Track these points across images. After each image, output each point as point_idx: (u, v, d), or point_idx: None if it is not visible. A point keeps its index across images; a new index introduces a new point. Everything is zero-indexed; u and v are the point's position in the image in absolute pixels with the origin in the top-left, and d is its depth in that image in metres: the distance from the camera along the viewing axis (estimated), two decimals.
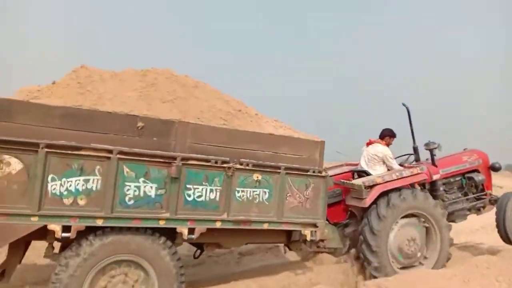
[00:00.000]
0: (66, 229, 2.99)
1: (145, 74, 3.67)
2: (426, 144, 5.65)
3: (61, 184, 2.98)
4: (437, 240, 4.95)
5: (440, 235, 4.95)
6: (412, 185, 5.16)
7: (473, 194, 5.89)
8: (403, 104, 5.78)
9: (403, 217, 4.79)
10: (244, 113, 3.77)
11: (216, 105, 3.63)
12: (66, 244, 3.27)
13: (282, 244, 5.03)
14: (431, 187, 5.46)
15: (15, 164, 2.87)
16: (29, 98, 2.96)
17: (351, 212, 5.25)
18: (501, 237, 5.66)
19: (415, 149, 5.81)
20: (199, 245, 4.24)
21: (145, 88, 3.46)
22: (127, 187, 3.18)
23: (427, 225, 4.94)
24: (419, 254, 4.86)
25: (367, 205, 4.57)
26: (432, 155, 5.59)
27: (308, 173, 3.95)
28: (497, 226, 5.65)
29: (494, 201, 5.87)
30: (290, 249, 4.85)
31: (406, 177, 4.96)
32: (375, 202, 4.64)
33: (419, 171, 5.09)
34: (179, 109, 3.35)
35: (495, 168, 6.15)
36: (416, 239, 4.83)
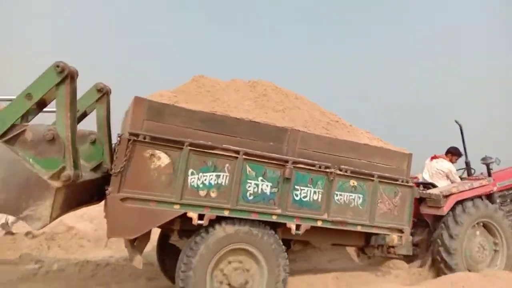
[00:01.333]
0: (200, 217, 3.46)
1: (253, 85, 4.12)
2: (483, 159, 5.95)
3: (198, 178, 3.47)
4: (504, 248, 5.21)
5: (506, 244, 5.21)
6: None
7: None
8: (456, 122, 6.11)
9: (473, 227, 5.10)
10: (341, 124, 4.14)
11: (316, 116, 4.01)
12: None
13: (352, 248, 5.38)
14: (488, 200, 5.71)
15: (164, 159, 3.38)
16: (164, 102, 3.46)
17: (415, 221, 5.55)
18: None
19: (467, 164, 6.12)
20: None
21: (258, 98, 3.89)
22: (248, 184, 3.64)
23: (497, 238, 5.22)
24: (488, 260, 5.15)
25: (445, 213, 4.92)
26: (489, 169, 5.86)
27: (397, 182, 4.31)
28: None
29: None
30: (363, 253, 5.19)
31: (476, 188, 5.28)
32: (450, 210, 4.98)
33: (486, 183, 5.40)
34: (288, 118, 3.76)
35: None
36: (485, 246, 5.13)
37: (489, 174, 5.82)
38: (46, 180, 2.72)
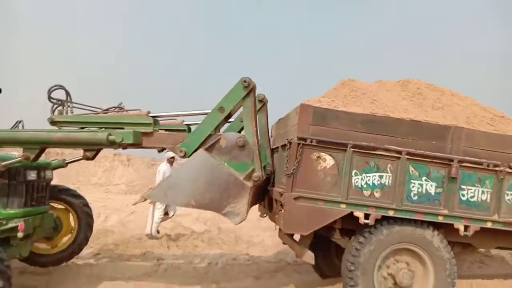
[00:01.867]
0: (366, 216, 3.56)
1: (404, 84, 4.05)
2: None
3: (361, 178, 3.57)
4: None
5: None
6: None
7: None
8: None
9: None
10: (506, 119, 3.80)
11: (477, 112, 3.75)
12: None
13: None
14: None
15: (329, 160, 3.56)
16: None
17: None
18: None
19: None
20: None
21: (413, 97, 3.83)
22: (412, 184, 3.62)
23: None
24: None
25: None
26: None
27: None
28: None
29: None
30: None
31: None
32: None
33: None
34: (450, 115, 3.62)
35: None
36: None
37: None
38: (242, 180, 3.11)
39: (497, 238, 4.07)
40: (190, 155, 3.32)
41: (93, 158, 4.12)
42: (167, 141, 3.51)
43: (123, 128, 3.41)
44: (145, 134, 3.47)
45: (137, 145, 3.49)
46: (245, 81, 3.21)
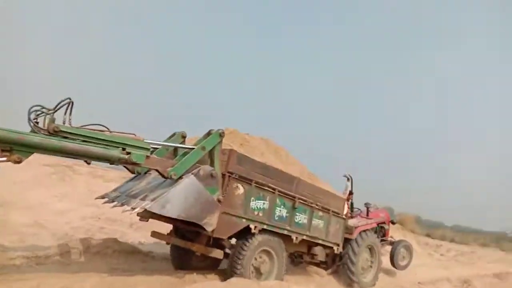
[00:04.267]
0: (254, 228, 5.55)
1: (265, 141, 6.13)
2: (366, 204, 9.57)
3: (255, 203, 5.58)
4: (375, 265, 8.62)
5: (378, 262, 8.65)
6: None
7: (382, 237, 9.96)
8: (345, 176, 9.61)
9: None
10: (313, 176, 6.44)
11: (304, 173, 6.32)
12: None
13: None
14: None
15: (241, 189, 5.40)
16: None
17: None
18: (391, 263, 9.77)
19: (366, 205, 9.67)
20: None
21: (275, 152, 5.99)
22: (276, 210, 5.92)
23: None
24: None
25: (354, 238, 7.97)
26: (368, 211, 9.48)
27: (339, 215, 7.20)
28: (391, 257, 9.77)
29: (391, 243, 10.04)
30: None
31: (371, 224, 8.67)
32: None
33: (373, 221, 8.89)
34: (289, 168, 6.03)
35: (393, 222, 10.50)
36: (368, 262, 8.42)
37: (367, 214, 9.36)
38: (215, 200, 4.56)
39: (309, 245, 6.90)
40: (179, 178, 4.46)
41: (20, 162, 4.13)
42: (159, 164, 4.42)
43: (124, 149, 4.09)
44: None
45: (138, 165, 4.23)
46: (222, 133, 4.77)
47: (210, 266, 6.60)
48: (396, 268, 9.95)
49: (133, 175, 5.73)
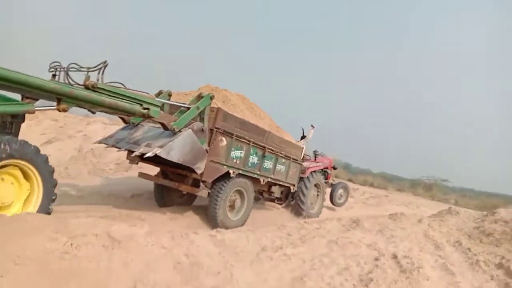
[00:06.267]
0: (233, 172, 6.77)
1: (241, 97, 7.09)
2: (315, 151, 11.22)
3: (234, 153, 6.75)
4: (321, 196, 10.43)
5: (322, 195, 10.46)
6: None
7: (325, 179, 11.82)
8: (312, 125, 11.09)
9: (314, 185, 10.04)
10: (281, 130, 7.57)
11: (272, 125, 7.37)
12: None
13: None
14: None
15: (224, 141, 6.49)
16: None
17: None
18: (330, 201, 11.82)
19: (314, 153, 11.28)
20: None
21: (250, 108, 7.06)
22: (250, 158, 7.15)
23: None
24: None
25: (306, 176, 9.56)
26: (315, 156, 11.16)
27: (297, 161, 8.65)
28: (330, 196, 11.77)
29: (331, 185, 11.99)
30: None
31: (318, 166, 10.31)
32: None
33: (320, 164, 10.56)
34: (261, 122, 7.10)
35: (334, 168, 12.41)
36: (315, 196, 10.20)
37: (315, 159, 11.00)
38: (205, 149, 5.64)
39: (270, 185, 8.31)
40: (179, 131, 5.41)
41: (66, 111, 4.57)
42: (165, 119, 5.25)
43: (141, 105, 4.87)
44: None
45: (152, 118, 5.05)
46: (212, 96, 5.69)
47: (186, 202, 7.95)
48: (334, 205, 12.04)
49: (124, 125, 6.54)
